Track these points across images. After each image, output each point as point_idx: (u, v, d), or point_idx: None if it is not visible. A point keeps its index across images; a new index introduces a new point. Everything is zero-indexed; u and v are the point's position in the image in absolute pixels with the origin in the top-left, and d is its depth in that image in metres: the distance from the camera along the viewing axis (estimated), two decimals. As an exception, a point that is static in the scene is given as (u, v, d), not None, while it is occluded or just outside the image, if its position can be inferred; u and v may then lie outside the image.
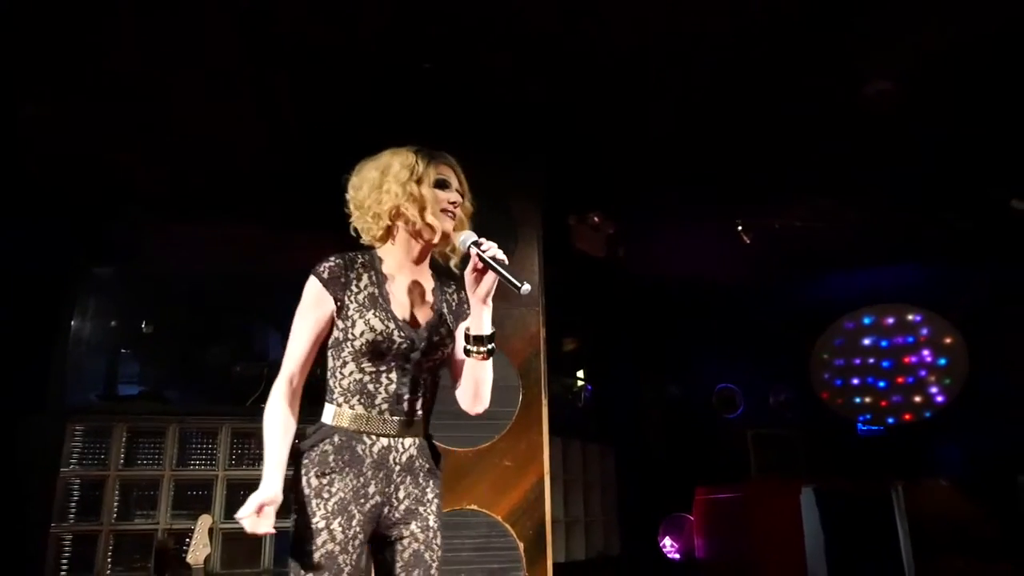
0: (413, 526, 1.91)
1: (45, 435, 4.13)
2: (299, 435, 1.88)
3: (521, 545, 3.47)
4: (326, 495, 1.82)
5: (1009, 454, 6.21)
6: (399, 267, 2.00)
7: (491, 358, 1.93)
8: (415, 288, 2.01)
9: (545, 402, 3.69)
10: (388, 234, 1.99)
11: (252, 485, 4.36)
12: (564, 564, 4.97)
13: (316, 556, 1.78)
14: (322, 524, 1.80)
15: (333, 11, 3.17)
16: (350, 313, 1.88)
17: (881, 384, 6.41)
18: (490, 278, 1.85)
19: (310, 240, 4.71)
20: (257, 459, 4.30)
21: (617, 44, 3.42)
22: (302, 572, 1.78)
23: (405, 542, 1.90)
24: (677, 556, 6.41)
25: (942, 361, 6.20)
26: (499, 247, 1.89)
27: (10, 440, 4.15)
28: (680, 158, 4.49)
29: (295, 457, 1.86)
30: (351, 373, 1.89)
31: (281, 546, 4.21)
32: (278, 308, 5.67)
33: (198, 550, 3.41)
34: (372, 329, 1.87)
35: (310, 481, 1.83)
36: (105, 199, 4.54)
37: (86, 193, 4.51)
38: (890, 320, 6.41)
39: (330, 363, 1.92)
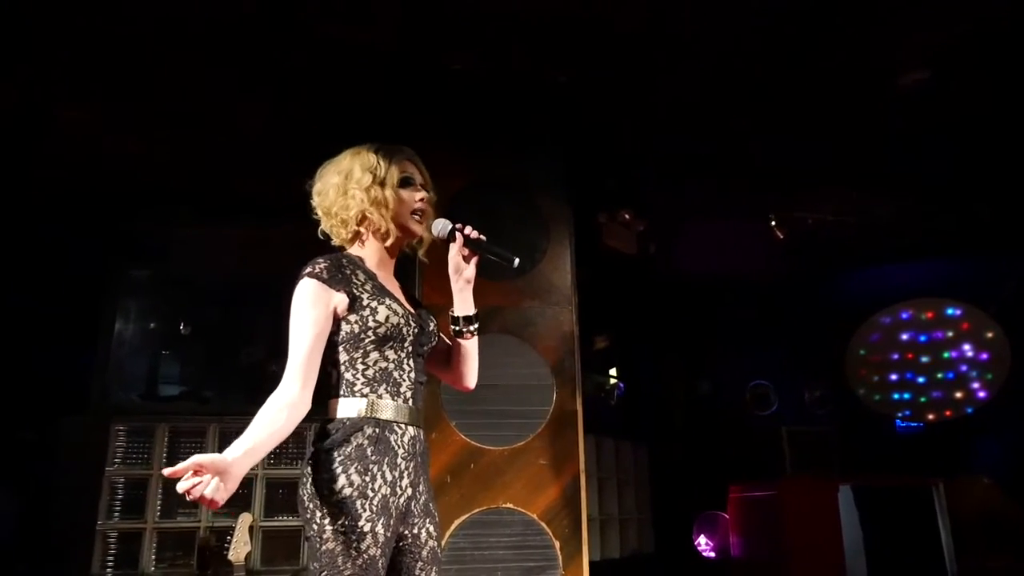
0: (429, 523, 1.87)
1: (90, 435, 4.25)
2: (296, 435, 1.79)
3: (557, 543, 3.48)
4: (370, 493, 1.72)
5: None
6: (376, 265, 1.97)
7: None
8: (394, 283, 2.02)
9: (579, 401, 3.69)
10: (357, 237, 1.98)
11: (290, 484, 4.44)
12: (599, 562, 4.97)
13: (360, 562, 1.67)
14: (367, 527, 1.69)
15: (352, 7, 3.19)
16: (365, 303, 1.84)
17: (920, 380, 6.29)
18: (474, 259, 1.92)
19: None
20: (296, 458, 4.37)
21: (647, 38, 3.41)
22: None
23: (423, 539, 1.86)
24: (712, 554, 6.37)
25: (983, 356, 6.07)
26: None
27: (57, 440, 4.28)
28: (711, 153, 4.46)
29: (318, 457, 1.74)
30: (376, 362, 1.84)
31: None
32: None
33: (239, 547, 3.46)
34: (395, 313, 1.86)
35: (351, 479, 1.70)
36: (141, 201, 4.64)
37: (122, 196, 4.62)
38: (928, 315, 6.30)
39: (344, 356, 1.84)
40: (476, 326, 2.00)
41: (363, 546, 1.67)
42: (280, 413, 1.71)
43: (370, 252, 1.98)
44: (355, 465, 1.72)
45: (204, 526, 4.17)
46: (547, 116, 4.01)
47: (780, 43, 3.44)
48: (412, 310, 1.95)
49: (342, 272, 1.85)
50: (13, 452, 4.60)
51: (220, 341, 5.15)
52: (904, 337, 6.42)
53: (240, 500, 4.21)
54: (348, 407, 1.80)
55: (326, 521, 1.67)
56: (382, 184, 1.93)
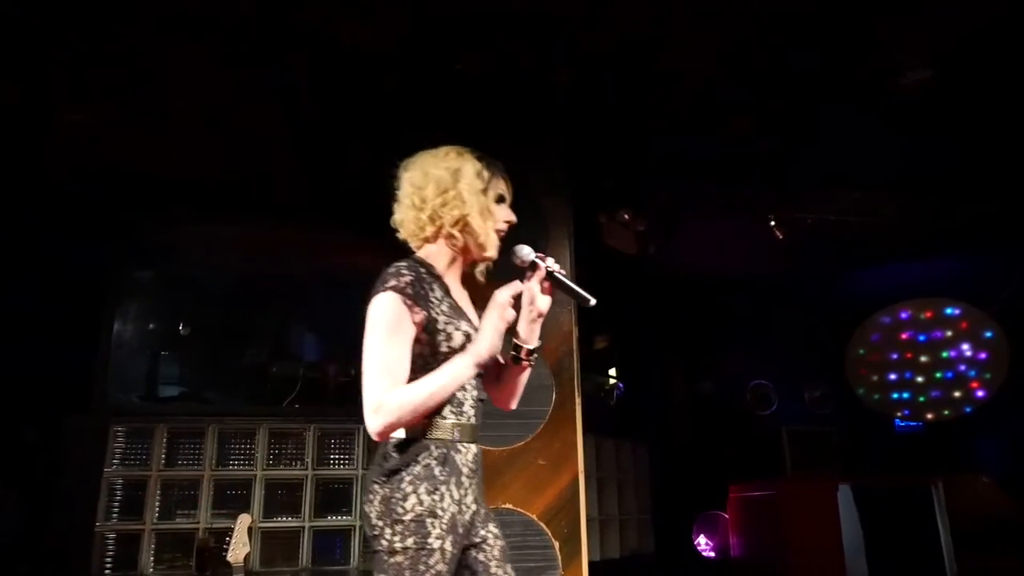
0: (492, 525, 1.89)
1: (89, 436, 4.23)
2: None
3: (556, 544, 3.48)
4: (440, 512, 1.72)
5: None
6: (447, 273, 1.93)
7: None
8: (463, 293, 1.98)
9: (578, 401, 3.69)
10: (436, 241, 1.92)
11: (289, 485, 4.42)
12: (599, 562, 4.97)
13: None
14: (436, 544, 1.70)
15: (354, 5, 3.18)
16: (440, 326, 1.80)
17: (919, 379, 6.29)
18: (550, 291, 1.89)
19: (345, 242, 4.79)
20: (294, 459, 4.37)
21: (644, 36, 3.41)
22: None
23: (491, 540, 1.87)
24: (712, 554, 6.37)
25: (982, 355, 6.07)
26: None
27: (56, 440, 4.27)
28: (711, 152, 4.45)
29: (385, 477, 1.74)
30: None
31: (319, 545, 4.27)
32: (313, 309, 5.76)
33: (238, 549, 3.46)
34: (468, 338, 1.83)
35: (421, 499, 1.70)
36: (142, 202, 4.64)
37: (124, 196, 4.61)
38: (928, 314, 6.30)
39: (411, 377, 1.78)
40: (535, 357, 1.97)
41: (431, 562, 1.68)
42: (401, 391, 1.71)
43: (443, 259, 1.93)
44: (424, 485, 1.72)
45: (203, 527, 4.16)
46: (547, 116, 4.00)
47: (781, 42, 3.43)
48: (477, 328, 1.88)
49: (423, 287, 1.80)
50: (15, 453, 4.60)
51: (221, 342, 5.15)
52: (903, 337, 6.42)
53: (239, 501, 4.21)
54: (413, 428, 1.78)
55: (396, 539, 1.68)
56: (484, 192, 1.90)
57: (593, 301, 1.81)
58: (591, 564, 3.63)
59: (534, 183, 3.90)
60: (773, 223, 5.18)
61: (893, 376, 6.43)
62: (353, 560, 4.28)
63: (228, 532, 3.56)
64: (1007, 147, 4.35)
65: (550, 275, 1.86)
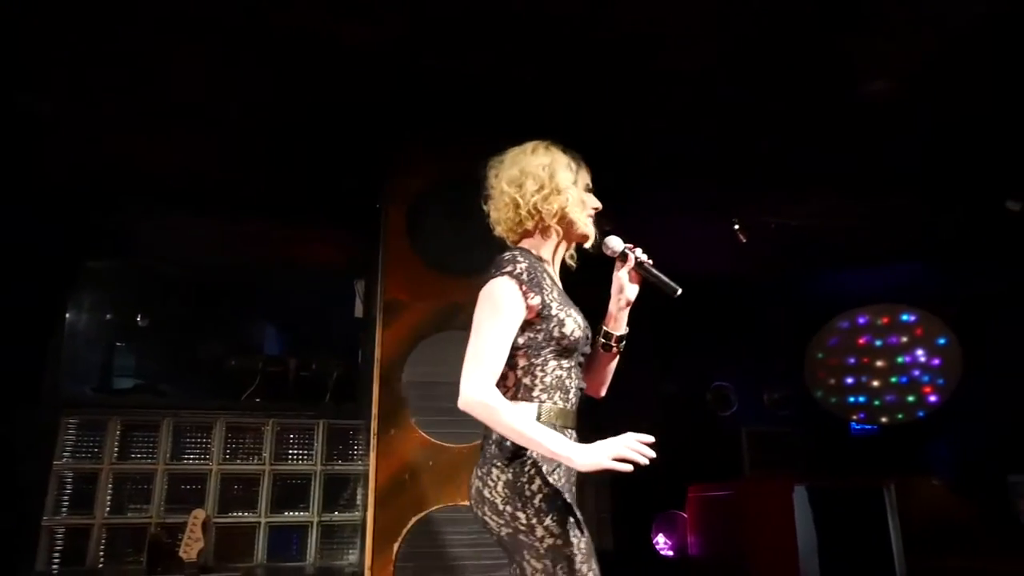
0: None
1: (39, 427, 4.13)
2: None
3: (514, 541, 3.47)
4: (565, 490, 1.82)
5: (1000, 454, 6.25)
6: (550, 263, 2.03)
7: None
8: (563, 285, 2.05)
9: (540, 399, 3.68)
10: (530, 234, 2.01)
11: (246, 479, 4.36)
12: (557, 560, 4.97)
13: (583, 547, 1.77)
14: (572, 518, 1.79)
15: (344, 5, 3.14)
16: (553, 312, 1.88)
17: (875, 383, 6.43)
18: (637, 281, 1.99)
19: (307, 235, 4.74)
20: (251, 453, 4.31)
21: (616, 40, 3.42)
22: (577, 571, 1.74)
23: None
24: (670, 553, 6.43)
25: (936, 361, 6.22)
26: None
27: (5, 432, 4.15)
28: (678, 152, 4.48)
29: (505, 461, 1.80)
30: (553, 370, 1.91)
31: (276, 541, 4.22)
32: (274, 303, 5.69)
33: (191, 544, 3.41)
34: (579, 327, 1.93)
35: (545, 479, 1.79)
36: (100, 190, 4.52)
37: (80, 184, 4.50)
38: (884, 320, 6.44)
39: (523, 362, 1.89)
40: (623, 344, 2.06)
41: (579, 532, 1.77)
42: (511, 403, 1.80)
43: (546, 250, 2.02)
44: (544, 466, 1.80)
45: (155, 522, 4.08)
46: (516, 114, 3.99)
47: (749, 50, 3.47)
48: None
49: (537, 275, 1.89)
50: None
51: (179, 334, 5.06)
52: (861, 341, 6.55)
53: (193, 496, 4.14)
54: (528, 411, 1.84)
55: (534, 520, 1.75)
56: (575, 183, 2.00)
57: (680, 291, 1.89)
58: (549, 562, 3.63)
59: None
60: (737, 226, 5.24)
61: (850, 380, 6.56)
62: (310, 556, 4.24)
63: (181, 527, 3.51)
64: (967, 158, 4.46)
65: (638, 265, 1.97)
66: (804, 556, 5.35)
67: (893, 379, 6.36)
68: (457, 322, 3.65)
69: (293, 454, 4.38)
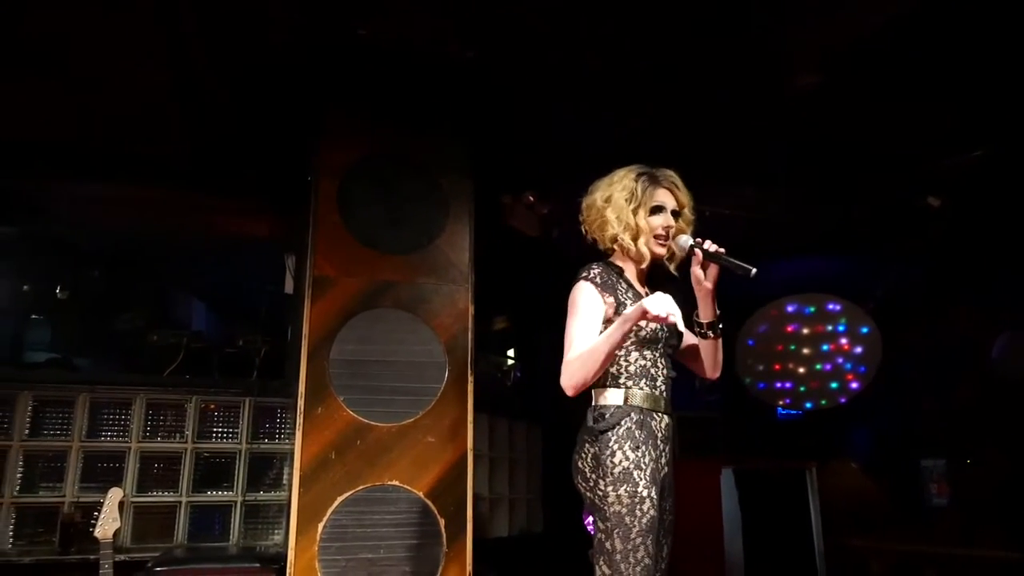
0: (671, 500, 2.25)
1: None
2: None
3: (442, 521, 3.46)
4: (643, 466, 2.06)
5: (916, 439, 6.54)
6: (634, 276, 2.32)
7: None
8: (650, 290, 2.30)
9: (471, 379, 3.68)
10: (614, 251, 2.34)
11: (168, 458, 4.23)
12: (486, 540, 4.99)
13: (645, 521, 2.01)
14: (645, 492, 2.03)
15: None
16: (628, 309, 2.11)
17: (800, 370, 6.62)
18: (714, 270, 2.15)
19: (233, 205, 4.60)
20: (172, 431, 4.17)
21: (555, 24, 3.40)
22: (631, 541, 1.98)
23: (668, 511, 2.24)
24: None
25: (858, 349, 6.44)
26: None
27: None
28: (615, 140, 4.50)
29: (594, 436, 2.12)
30: (636, 360, 2.19)
31: (197, 521, 4.11)
32: (201, 277, 5.50)
33: (107, 524, 3.28)
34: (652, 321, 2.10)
35: (627, 455, 2.06)
36: (10, 153, 4.28)
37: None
38: (811, 308, 6.62)
39: None
40: (719, 329, 2.28)
41: (645, 508, 2.02)
42: (576, 356, 2.09)
43: (626, 263, 2.33)
44: (628, 443, 2.08)
45: (69, 501, 3.92)
46: (454, 92, 3.94)
47: (679, 37, 3.49)
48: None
49: (611, 279, 2.23)
50: None
51: (98, 308, 4.85)
52: (789, 329, 6.72)
53: (111, 474, 3.98)
54: (614, 396, 2.16)
55: (610, 488, 2.04)
56: (635, 211, 2.24)
57: (753, 271, 2.02)
58: (479, 542, 3.63)
59: (436, 160, 3.86)
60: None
61: (777, 366, 6.73)
62: (233, 536, 4.14)
63: (97, 507, 3.37)
64: (887, 154, 4.61)
65: (707, 255, 2.13)
66: (729, 538, 5.50)
67: (818, 366, 6.55)
68: (387, 300, 3.60)
69: (217, 432, 4.25)
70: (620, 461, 2.05)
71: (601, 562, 2.03)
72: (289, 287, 4.49)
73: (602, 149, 4.50)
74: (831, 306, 6.52)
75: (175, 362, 4.38)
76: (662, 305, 1.96)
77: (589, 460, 2.12)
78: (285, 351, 4.38)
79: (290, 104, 3.91)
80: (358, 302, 3.54)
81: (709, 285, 2.18)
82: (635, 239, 2.24)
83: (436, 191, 3.79)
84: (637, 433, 2.10)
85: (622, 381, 2.17)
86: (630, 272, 2.32)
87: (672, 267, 2.32)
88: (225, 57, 3.66)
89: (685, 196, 2.33)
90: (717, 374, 2.38)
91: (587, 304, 2.17)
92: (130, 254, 4.82)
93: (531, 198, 5.08)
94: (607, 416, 2.12)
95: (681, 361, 2.43)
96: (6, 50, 3.54)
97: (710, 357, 2.35)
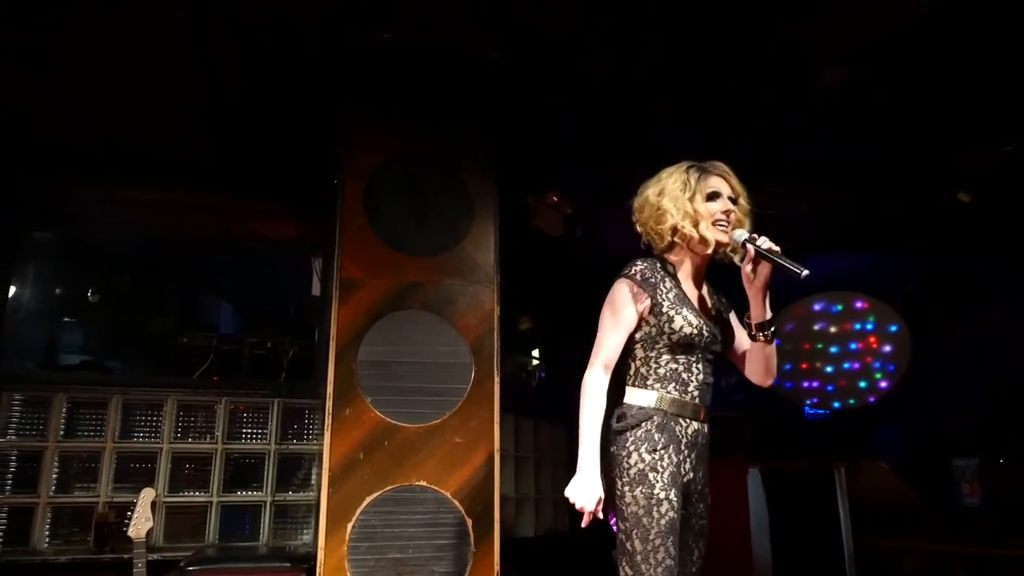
0: (702, 505, 2.23)
1: (-20, 404, 3.99)
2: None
3: (470, 521, 3.47)
4: (661, 468, 2.05)
5: (947, 438, 6.43)
6: (687, 274, 2.26)
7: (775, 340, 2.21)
8: (701, 290, 2.29)
9: (497, 380, 3.68)
10: (672, 247, 2.26)
11: (198, 458, 4.28)
12: (513, 540, 5.00)
13: (663, 524, 2.00)
14: (663, 495, 2.02)
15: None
16: (664, 310, 2.13)
17: (828, 369, 6.55)
18: (765, 269, 2.06)
19: (261, 208, 4.64)
20: (203, 432, 4.23)
21: (580, 23, 3.39)
22: (650, 542, 1.98)
23: (697, 516, 2.21)
24: (625, 534, 6.50)
25: (887, 348, 6.36)
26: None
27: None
28: (638, 138, 4.48)
29: (614, 436, 2.12)
30: (667, 363, 2.16)
31: (228, 520, 4.16)
32: (229, 278, 5.56)
33: (140, 524, 3.33)
34: (689, 324, 2.13)
35: (643, 456, 2.06)
36: (45, 159, 4.36)
37: (24, 153, 4.33)
38: (839, 307, 6.55)
39: (640, 353, 2.19)
40: (771, 331, 2.18)
41: (663, 510, 2.01)
42: (600, 400, 2.11)
43: (684, 260, 2.27)
44: (644, 445, 2.07)
45: (103, 501, 3.99)
46: (478, 93, 3.95)
47: (706, 35, 3.47)
48: (707, 319, 2.21)
49: (654, 277, 2.18)
50: None
51: (130, 311, 4.93)
52: (816, 327, 6.66)
53: (143, 475, 4.05)
54: (640, 397, 2.15)
55: (626, 488, 2.05)
56: (691, 199, 2.18)
57: (806, 272, 1.95)
58: (505, 542, 3.64)
59: (460, 160, 3.86)
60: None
61: (804, 365, 6.67)
62: (263, 536, 4.19)
63: (130, 507, 3.43)
64: (918, 148, 4.54)
65: (759, 253, 2.06)
66: (756, 538, 5.46)
67: (846, 365, 6.48)
68: (414, 301, 3.61)
69: (247, 433, 4.31)
70: (636, 462, 2.05)
71: (623, 563, 2.04)
72: (316, 289, 4.52)
73: (627, 148, 4.52)
74: (859, 304, 6.44)
75: (205, 364, 4.44)
76: (575, 495, 2.02)
77: (609, 459, 2.11)
78: (313, 353, 4.42)
79: (316, 107, 3.94)
80: (385, 303, 3.56)
81: (760, 284, 2.09)
82: (696, 225, 2.17)
83: (461, 192, 3.80)
84: (657, 436, 2.08)
85: (650, 383, 2.15)
86: (686, 269, 2.27)
87: (737, 259, 2.21)
88: (252, 62, 3.70)
89: (739, 184, 2.27)
90: (770, 381, 2.28)
91: (618, 310, 2.17)
92: (159, 257, 4.89)
93: (555, 198, 5.08)
94: (628, 417, 2.12)
95: (735, 364, 2.37)
96: (39, 60, 3.61)
97: (761, 362, 2.24)
